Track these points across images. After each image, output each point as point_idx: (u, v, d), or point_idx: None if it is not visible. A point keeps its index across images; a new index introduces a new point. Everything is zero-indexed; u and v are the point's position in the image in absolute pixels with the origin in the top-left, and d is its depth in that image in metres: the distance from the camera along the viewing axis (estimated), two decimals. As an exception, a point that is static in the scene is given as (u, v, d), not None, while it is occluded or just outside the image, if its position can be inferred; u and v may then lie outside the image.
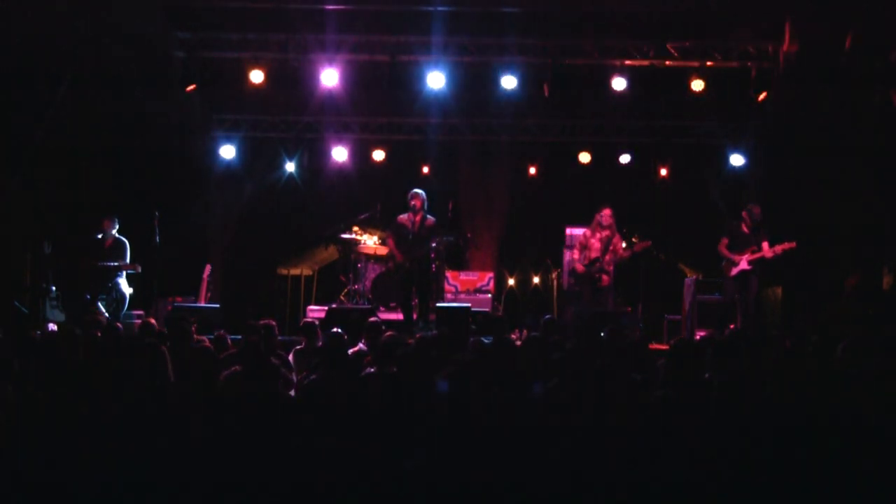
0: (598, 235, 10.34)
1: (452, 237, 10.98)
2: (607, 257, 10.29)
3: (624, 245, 10.42)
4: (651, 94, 11.69)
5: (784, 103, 11.42)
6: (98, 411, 4.75)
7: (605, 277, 10.34)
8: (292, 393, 6.15)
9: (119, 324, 9.57)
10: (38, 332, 7.53)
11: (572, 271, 10.58)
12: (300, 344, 7.62)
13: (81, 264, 10.14)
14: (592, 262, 10.31)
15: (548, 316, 8.13)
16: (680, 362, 5.62)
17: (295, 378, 6.64)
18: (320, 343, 7.33)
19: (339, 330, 6.52)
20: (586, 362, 5.81)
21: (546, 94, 10.97)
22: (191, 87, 10.93)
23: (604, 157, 13.03)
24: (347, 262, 11.84)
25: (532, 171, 13.42)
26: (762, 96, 11.08)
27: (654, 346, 9.92)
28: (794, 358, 6.08)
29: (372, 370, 5.87)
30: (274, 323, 7.32)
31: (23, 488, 4.18)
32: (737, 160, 12.56)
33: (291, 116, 12.98)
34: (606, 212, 10.36)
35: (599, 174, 13.06)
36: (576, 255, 10.50)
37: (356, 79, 11.47)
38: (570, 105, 12.35)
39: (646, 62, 11.10)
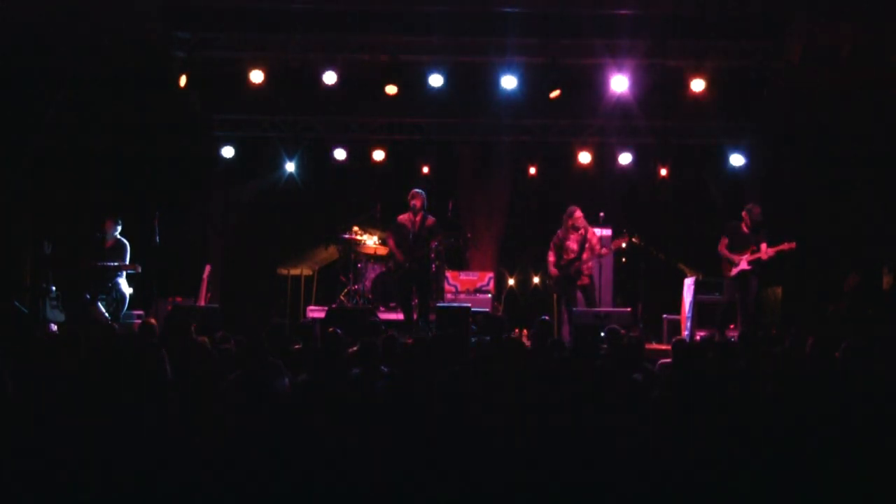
0: (572, 237, 10.31)
1: (453, 238, 10.96)
2: (585, 255, 10.27)
3: (604, 245, 10.38)
4: (651, 94, 11.68)
5: (784, 104, 11.42)
6: (97, 411, 4.75)
7: (584, 277, 10.33)
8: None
9: (119, 324, 9.64)
10: (41, 333, 7.52)
11: (548, 276, 10.57)
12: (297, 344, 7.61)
13: (81, 264, 10.13)
14: (570, 262, 10.28)
15: (545, 317, 8.12)
16: (680, 362, 5.63)
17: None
18: (317, 343, 7.31)
19: (337, 330, 6.51)
20: (586, 362, 5.82)
21: (559, 94, 10.92)
22: (184, 80, 10.85)
23: (604, 157, 13.03)
24: (347, 262, 11.83)
25: (532, 171, 13.41)
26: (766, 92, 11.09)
27: (654, 346, 9.93)
28: (794, 358, 6.07)
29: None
30: (285, 323, 7.28)
31: (23, 488, 4.18)
32: (737, 160, 12.56)
33: (291, 116, 12.98)
34: (578, 214, 10.31)
35: (599, 174, 13.05)
36: (551, 257, 10.44)
37: (356, 79, 11.46)
38: (570, 105, 12.34)
39: (646, 62, 11.09)
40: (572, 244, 10.29)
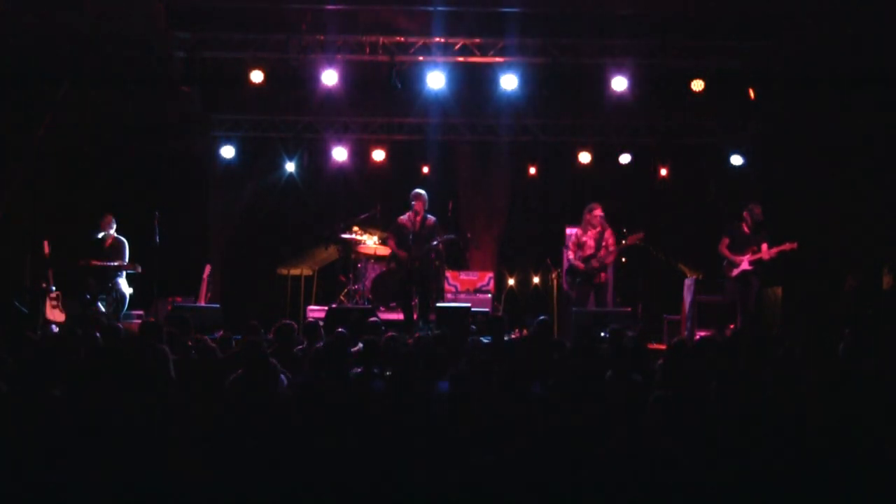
0: (590, 233, 10.36)
1: (453, 234, 10.98)
2: (601, 253, 10.30)
3: (620, 240, 10.40)
4: (651, 94, 11.68)
5: (783, 104, 11.42)
6: (98, 411, 4.75)
7: (602, 274, 10.37)
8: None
9: (119, 323, 9.63)
10: (38, 332, 7.52)
11: (571, 270, 10.58)
12: (301, 344, 7.59)
13: (81, 264, 10.14)
14: (588, 258, 10.32)
15: (542, 317, 8.10)
16: (679, 362, 5.63)
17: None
18: (321, 343, 7.30)
19: (343, 330, 6.51)
20: (586, 362, 5.82)
21: (546, 93, 10.97)
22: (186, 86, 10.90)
23: (604, 157, 13.03)
24: (347, 262, 11.83)
25: (532, 171, 13.41)
26: (753, 95, 11.10)
27: (654, 346, 9.92)
28: (793, 358, 6.07)
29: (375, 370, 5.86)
30: (294, 325, 7.25)
31: (23, 488, 4.18)
32: (737, 160, 12.57)
33: (291, 116, 12.98)
34: (598, 211, 10.36)
35: (599, 174, 13.05)
36: (570, 255, 10.52)
37: (356, 79, 11.46)
38: (570, 105, 12.34)
39: (646, 62, 11.09)
40: (589, 240, 10.35)
